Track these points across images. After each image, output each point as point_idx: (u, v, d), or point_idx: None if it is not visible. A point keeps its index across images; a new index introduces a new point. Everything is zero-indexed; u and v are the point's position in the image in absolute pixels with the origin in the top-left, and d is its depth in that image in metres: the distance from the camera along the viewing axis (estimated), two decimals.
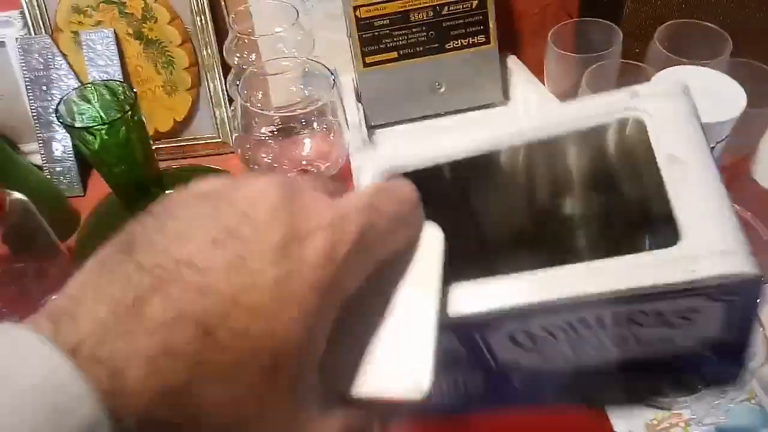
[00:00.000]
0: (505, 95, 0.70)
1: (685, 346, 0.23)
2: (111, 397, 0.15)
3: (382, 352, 0.20)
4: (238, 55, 0.67)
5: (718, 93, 0.46)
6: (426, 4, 0.66)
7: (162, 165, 0.76)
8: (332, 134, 0.58)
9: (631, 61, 0.56)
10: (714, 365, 0.24)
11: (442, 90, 0.69)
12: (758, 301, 0.21)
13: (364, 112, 0.68)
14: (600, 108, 0.24)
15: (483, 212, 0.28)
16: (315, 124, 0.57)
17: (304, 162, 0.60)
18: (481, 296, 0.21)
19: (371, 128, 0.69)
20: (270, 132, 0.59)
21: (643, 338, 0.22)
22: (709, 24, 0.56)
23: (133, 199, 0.62)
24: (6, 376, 0.15)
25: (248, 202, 0.19)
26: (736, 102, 0.45)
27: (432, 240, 0.21)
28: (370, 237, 0.19)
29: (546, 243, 0.29)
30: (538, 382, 0.26)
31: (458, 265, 0.21)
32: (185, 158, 0.76)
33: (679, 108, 0.23)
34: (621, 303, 0.20)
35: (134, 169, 0.57)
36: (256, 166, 0.59)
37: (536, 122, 0.24)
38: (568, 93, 0.61)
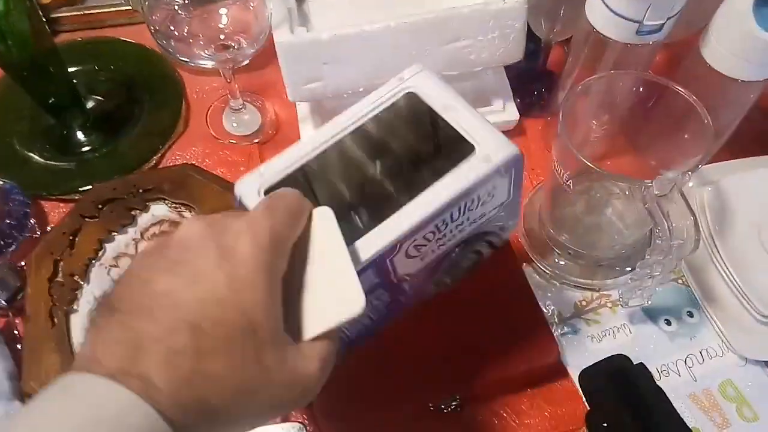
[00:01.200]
0: None
1: (490, 214, 0.36)
2: (152, 399, 0.22)
3: (322, 297, 0.28)
4: None
5: None
6: None
7: (65, 38, 0.68)
8: (252, 3, 0.51)
9: None
10: (505, 223, 0.38)
11: None
12: (522, 169, 0.35)
13: None
14: (383, 93, 0.35)
15: (342, 186, 0.39)
16: None
17: (221, 36, 0.53)
18: (382, 236, 0.31)
19: None
20: (183, 1, 0.52)
21: (471, 218, 0.34)
22: None
23: (30, 81, 0.54)
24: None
25: (179, 241, 0.26)
26: None
27: (325, 214, 0.30)
28: (276, 224, 0.27)
29: (388, 195, 0.40)
30: (420, 281, 0.37)
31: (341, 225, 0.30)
32: (92, 29, 0.67)
33: (429, 77, 0.35)
34: (459, 199, 0.32)
35: (22, 45, 0.50)
36: (169, 41, 0.52)
37: (344, 118, 0.34)
38: None
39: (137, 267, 0.26)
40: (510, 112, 0.58)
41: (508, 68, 0.59)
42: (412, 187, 0.34)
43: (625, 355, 0.45)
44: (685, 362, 0.48)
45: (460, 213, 0.33)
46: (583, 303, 0.51)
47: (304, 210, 0.29)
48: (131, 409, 0.22)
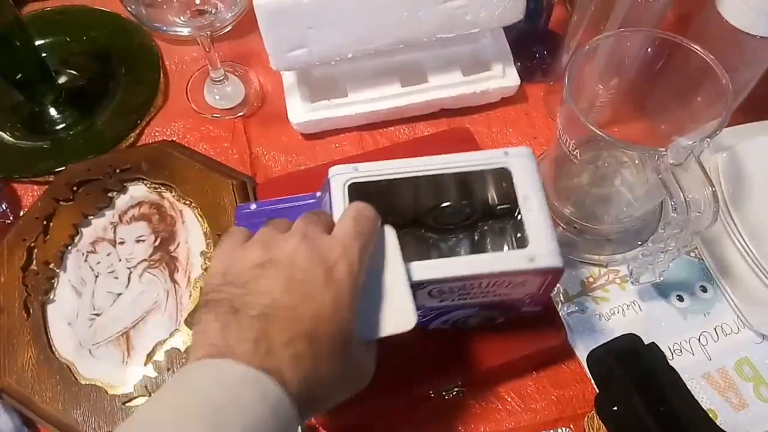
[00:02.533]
0: None
1: (516, 296, 0.39)
2: (285, 388, 0.29)
3: (380, 307, 0.33)
4: None
5: None
6: None
7: (35, 6, 0.63)
8: None
9: None
10: (527, 306, 0.41)
11: None
12: (559, 279, 0.38)
13: None
14: (486, 158, 0.38)
15: (408, 211, 0.42)
16: None
17: (197, 1, 0.49)
18: (419, 271, 0.35)
19: None
20: None
21: (497, 292, 0.38)
22: None
23: None
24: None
25: (290, 260, 0.31)
26: None
27: (389, 234, 0.35)
28: (364, 251, 0.33)
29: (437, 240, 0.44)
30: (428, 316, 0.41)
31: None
32: None
33: (528, 165, 0.38)
34: (492, 277, 0.36)
35: None
36: (140, 7, 0.48)
37: (442, 160, 0.38)
38: None
39: (246, 273, 0.31)
40: (510, 77, 0.55)
41: (508, 30, 0.55)
42: (459, 243, 0.44)
43: (635, 334, 0.42)
44: (699, 340, 0.45)
45: (489, 285, 0.36)
46: (590, 280, 0.49)
47: (378, 227, 0.35)
48: (271, 392, 0.28)
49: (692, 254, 0.48)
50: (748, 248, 0.45)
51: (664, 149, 0.37)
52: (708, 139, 0.38)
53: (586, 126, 0.38)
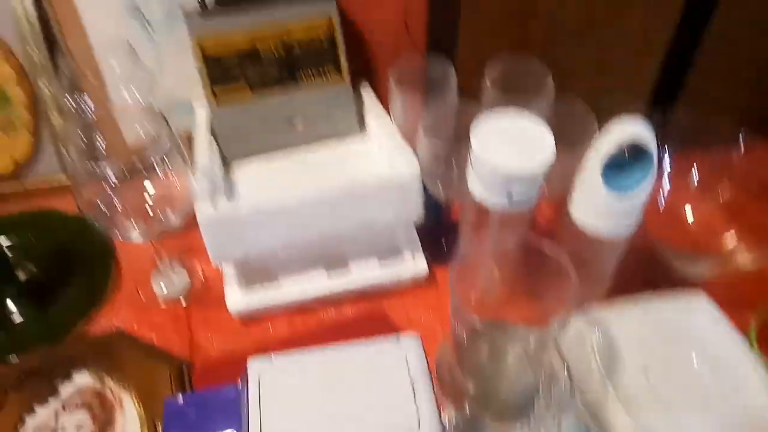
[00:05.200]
0: (361, 125, 0.71)
1: None
2: None
3: None
4: (77, 94, 0.64)
5: (533, 141, 0.49)
6: (275, 40, 0.65)
7: (5, 209, 0.71)
8: (178, 178, 0.57)
9: (465, 98, 0.59)
10: None
11: (299, 124, 0.69)
12: None
13: (219, 147, 0.67)
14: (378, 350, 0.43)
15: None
16: (160, 166, 0.56)
17: (149, 209, 0.58)
18: None
19: (228, 164, 0.68)
20: (113, 174, 0.57)
21: None
22: (534, 60, 0.59)
23: None
24: None
25: None
26: (547, 150, 0.49)
27: None
28: None
29: None
30: None
31: None
32: (31, 200, 0.72)
33: (417, 353, 0.44)
34: None
35: None
36: (98, 215, 0.56)
37: (341, 353, 0.44)
38: (410, 127, 0.63)
39: None
40: (419, 263, 0.64)
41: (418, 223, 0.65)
42: None
43: None
44: None
45: None
46: None
47: None
48: None
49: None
50: (625, 419, 0.52)
51: (527, 331, 0.45)
52: (559, 324, 0.46)
53: (470, 319, 0.46)
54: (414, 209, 0.58)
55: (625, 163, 0.49)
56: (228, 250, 0.57)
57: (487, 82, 0.59)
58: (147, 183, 0.58)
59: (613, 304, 0.59)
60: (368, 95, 0.71)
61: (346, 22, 0.68)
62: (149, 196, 0.58)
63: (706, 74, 0.70)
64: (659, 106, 0.70)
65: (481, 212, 0.54)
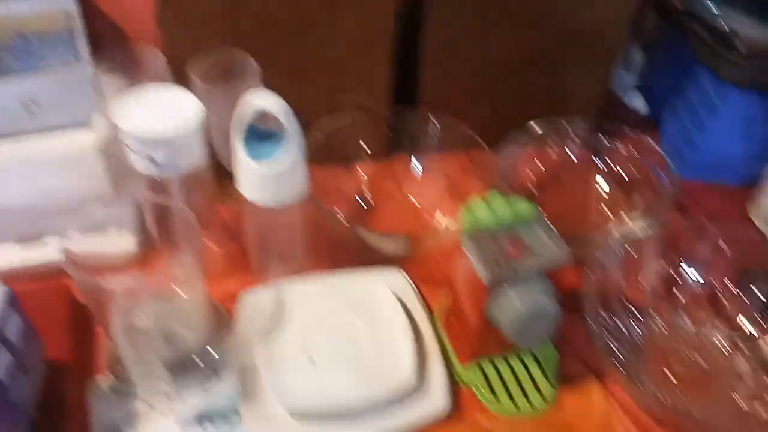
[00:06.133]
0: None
1: None
2: None
3: None
4: None
5: (177, 111, 0.51)
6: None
7: None
8: None
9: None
10: None
11: (36, 109, 0.70)
12: None
13: None
14: None
15: None
16: None
17: None
18: None
19: None
20: None
21: None
22: (237, 50, 0.61)
23: None
24: None
25: None
26: (186, 118, 0.51)
27: None
28: None
29: None
30: None
31: None
32: None
33: None
34: None
35: None
36: None
37: None
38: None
39: None
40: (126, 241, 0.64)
41: None
42: None
43: None
44: None
45: None
46: None
47: None
48: None
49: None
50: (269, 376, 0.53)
51: None
52: None
53: None
54: (97, 184, 0.60)
55: (265, 134, 0.53)
56: None
57: (192, 76, 0.59)
58: None
59: (308, 278, 0.62)
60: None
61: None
62: None
63: (433, 78, 0.75)
64: (399, 107, 0.74)
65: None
